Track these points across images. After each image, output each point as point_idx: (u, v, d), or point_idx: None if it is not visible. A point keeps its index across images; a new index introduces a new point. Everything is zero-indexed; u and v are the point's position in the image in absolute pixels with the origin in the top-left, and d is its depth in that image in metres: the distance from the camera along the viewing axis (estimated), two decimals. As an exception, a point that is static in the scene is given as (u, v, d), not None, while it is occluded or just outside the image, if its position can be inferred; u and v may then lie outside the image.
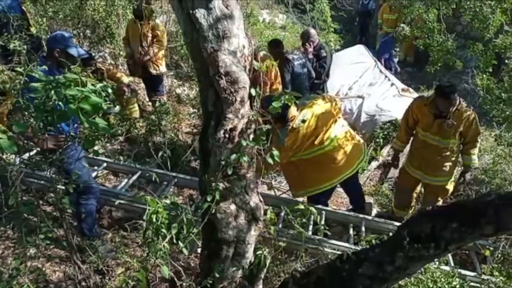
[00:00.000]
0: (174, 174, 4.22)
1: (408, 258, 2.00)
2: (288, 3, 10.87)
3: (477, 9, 4.03)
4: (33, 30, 5.24)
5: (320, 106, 3.71)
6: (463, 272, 3.45)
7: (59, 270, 3.26)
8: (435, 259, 3.07)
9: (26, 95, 1.98)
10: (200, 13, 2.02)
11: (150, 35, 5.45)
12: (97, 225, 3.69)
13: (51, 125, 2.07)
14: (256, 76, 2.31)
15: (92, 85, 2.03)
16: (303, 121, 3.53)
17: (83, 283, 2.48)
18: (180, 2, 2.09)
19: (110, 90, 2.00)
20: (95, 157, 4.07)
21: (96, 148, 4.13)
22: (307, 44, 5.59)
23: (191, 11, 2.03)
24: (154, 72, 5.67)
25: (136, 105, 5.71)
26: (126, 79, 5.31)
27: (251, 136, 2.33)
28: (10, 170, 1.89)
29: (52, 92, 1.84)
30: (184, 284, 2.25)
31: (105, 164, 4.25)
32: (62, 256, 3.38)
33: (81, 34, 6.61)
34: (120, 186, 4.04)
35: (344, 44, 9.83)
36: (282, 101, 2.18)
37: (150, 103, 6.13)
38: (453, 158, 4.01)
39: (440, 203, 4.19)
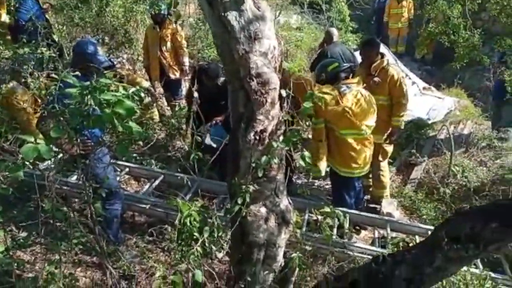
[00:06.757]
0: (196, 178, 4.18)
1: (447, 259, 1.95)
2: (303, 4, 10.77)
3: (505, 3, 3.92)
4: (55, 37, 5.32)
5: (365, 91, 3.78)
6: (493, 275, 3.35)
7: (86, 276, 3.27)
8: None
9: (60, 101, 1.99)
10: (232, 15, 2.01)
11: (169, 40, 5.47)
12: (121, 231, 3.69)
13: (84, 130, 2.09)
14: (286, 77, 2.29)
15: (124, 89, 2.04)
16: (349, 87, 3.65)
17: (113, 289, 2.47)
18: (210, 5, 2.07)
19: (142, 94, 1.99)
20: (117, 161, 4.11)
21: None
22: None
23: (222, 14, 2.02)
24: (173, 76, 5.69)
25: (155, 109, 5.73)
26: (145, 84, 5.32)
27: (281, 138, 2.31)
28: (47, 175, 1.90)
29: (88, 97, 1.85)
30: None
31: (127, 169, 4.26)
32: (88, 261, 3.39)
33: (100, 40, 6.66)
34: (143, 191, 4.03)
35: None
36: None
37: (169, 108, 6.15)
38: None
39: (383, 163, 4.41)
